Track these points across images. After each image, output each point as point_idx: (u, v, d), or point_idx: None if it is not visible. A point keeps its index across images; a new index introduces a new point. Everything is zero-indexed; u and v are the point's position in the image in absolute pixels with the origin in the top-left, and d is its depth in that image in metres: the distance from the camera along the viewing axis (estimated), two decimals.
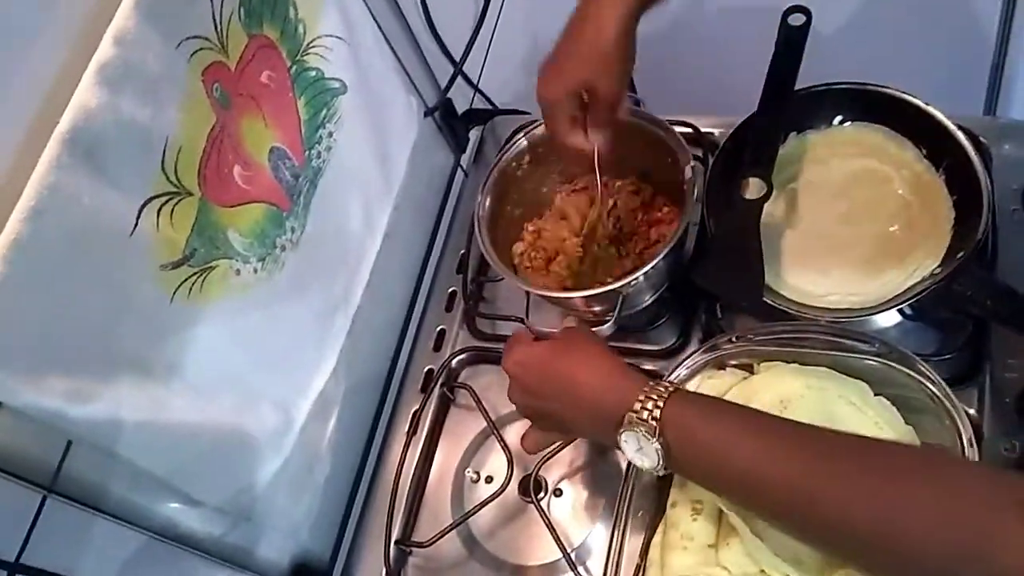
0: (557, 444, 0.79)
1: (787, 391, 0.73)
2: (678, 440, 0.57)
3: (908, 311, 0.73)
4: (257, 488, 0.75)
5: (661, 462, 0.58)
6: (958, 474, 0.51)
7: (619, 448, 0.60)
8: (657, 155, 0.86)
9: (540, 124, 0.91)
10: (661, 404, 0.57)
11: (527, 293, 0.86)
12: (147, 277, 0.59)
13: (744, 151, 0.80)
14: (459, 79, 1.04)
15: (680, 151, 0.83)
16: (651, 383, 0.60)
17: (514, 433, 0.86)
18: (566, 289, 0.88)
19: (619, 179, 0.94)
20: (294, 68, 0.74)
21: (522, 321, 0.87)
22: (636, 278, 0.77)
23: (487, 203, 0.88)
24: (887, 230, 0.78)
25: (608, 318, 0.80)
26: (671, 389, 0.59)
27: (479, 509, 0.81)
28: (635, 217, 0.91)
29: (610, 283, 0.78)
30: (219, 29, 0.63)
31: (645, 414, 0.57)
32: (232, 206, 0.67)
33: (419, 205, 1.04)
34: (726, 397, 0.75)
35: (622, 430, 0.59)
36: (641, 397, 0.58)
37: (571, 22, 0.71)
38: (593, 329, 0.81)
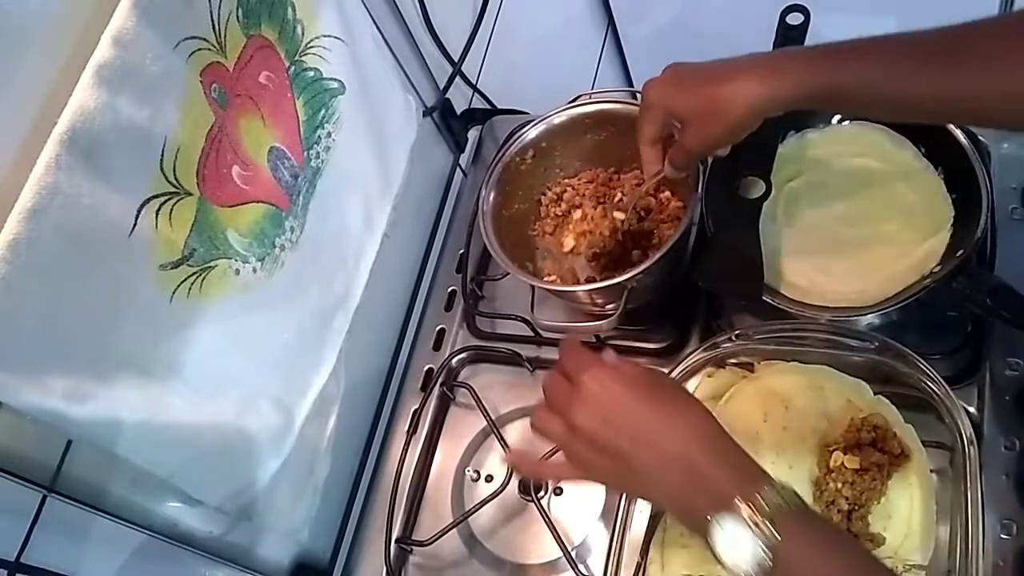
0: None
1: (787, 389, 0.73)
2: (793, 556, 0.49)
3: (908, 310, 0.73)
4: (257, 487, 0.75)
5: (756, 564, 0.49)
6: None
7: (698, 528, 0.52)
8: None
9: (542, 121, 0.91)
10: (784, 506, 0.50)
11: (532, 287, 0.85)
12: (146, 277, 0.59)
13: (743, 150, 0.80)
14: (458, 79, 1.04)
15: None
16: (772, 481, 0.52)
17: (514, 432, 0.87)
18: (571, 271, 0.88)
19: (623, 173, 0.94)
20: (292, 68, 0.74)
21: (525, 321, 0.87)
22: (642, 271, 0.77)
23: (491, 198, 0.88)
24: (886, 229, 0.78)
25: (612, 312, 0.80)
26: (798, 503, 0.52)
27: (479, 508, 0.81)
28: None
29: (616, 276, 0.78)
30: (217, 29, 0.63)
31: (764, 510, 0.49)
32: (231, 206, 0.67)
33: (418, 205, 1.04)
34: (726, 395, 0.75)
35: (722, 513, 0.50)
36: (765, 489, 0.50)
37: (733, 62, 0.64)
38: (595, 323, 0.81)
